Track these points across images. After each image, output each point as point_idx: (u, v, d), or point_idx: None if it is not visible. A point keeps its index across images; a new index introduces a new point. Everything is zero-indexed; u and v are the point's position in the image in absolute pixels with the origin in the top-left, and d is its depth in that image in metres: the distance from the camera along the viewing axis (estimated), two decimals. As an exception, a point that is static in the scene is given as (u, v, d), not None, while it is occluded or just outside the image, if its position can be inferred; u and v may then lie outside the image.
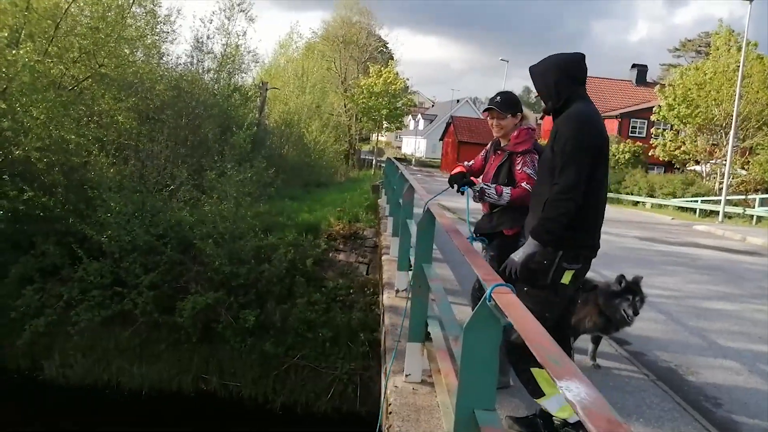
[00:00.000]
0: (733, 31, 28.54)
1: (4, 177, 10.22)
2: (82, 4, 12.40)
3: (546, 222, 2.82)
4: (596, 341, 4.42)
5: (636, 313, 3.97)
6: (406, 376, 3.68)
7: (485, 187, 3.57)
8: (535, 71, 3.06)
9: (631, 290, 3.99)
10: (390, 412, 3.30)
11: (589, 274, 4.67)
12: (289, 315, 10.31)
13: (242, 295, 10.33)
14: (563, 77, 2.93)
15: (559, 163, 2.79)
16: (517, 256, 2.96)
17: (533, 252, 2.89)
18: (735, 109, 22.58)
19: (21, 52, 10.18)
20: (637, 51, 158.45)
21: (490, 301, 1.77)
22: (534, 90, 3.11)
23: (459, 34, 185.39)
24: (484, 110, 3.80)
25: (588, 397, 1.11)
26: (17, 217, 10.43)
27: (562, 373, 1.21)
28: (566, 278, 2.89)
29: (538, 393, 2.84)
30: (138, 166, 13.03)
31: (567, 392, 1.14)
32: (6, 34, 10.32)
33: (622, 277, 4.06)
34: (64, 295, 10.10)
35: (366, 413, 9.29)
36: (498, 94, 3.75)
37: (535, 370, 2.82)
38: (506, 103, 3.64)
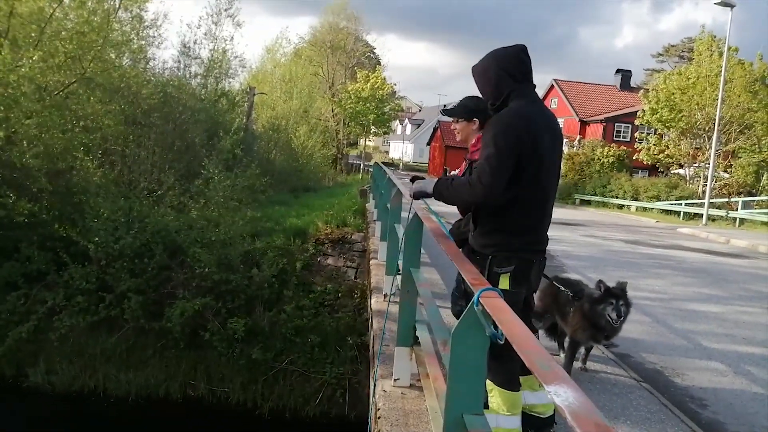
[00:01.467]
0: (715, 37, 28.94)
1: None
2: (66, 8, 12.30)
3: (449, 189, 2.82)
4: (589, 346, 4.42)
5: (620, 316, 3.93)
6: (395, 380, 3.68)
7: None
8: (475, 71, 2.89)
9: (612, 294, 3.98)
10: (379, 417, 3.30)
11: (578, 279, 4.74)
12: (278, 320, 10.28)
13: (230, 300, 10.29)
14: (501, 72, 2.77)
15: (480, 162, 2.69)
16: (415, 187, 3.06)
17: (424, 192, 2.97)
18: (717, 113, 22.88)
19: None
20: (623, 56, 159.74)
21: (477, 306, 1.79)
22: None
23: (447, 39, 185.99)
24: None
25: (576, 402, 1.13)
26: (1, 223, 10.31)
27: (551, 378, 1.23)
28: (504, 283, 2.78)
29: (485, 405, 2.84)
30: (125, 171, 12.94)
31: (555, 397, 1.15)
32: None
33: (601, 282, 4.07)
34: (49, 301, 9.99)
35: (354, 417, 9.28)
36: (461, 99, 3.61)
37: (497, 389, 2.82)
38: (458, 108, 3.53)
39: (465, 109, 3.48)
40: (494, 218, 2.82)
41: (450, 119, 3.61)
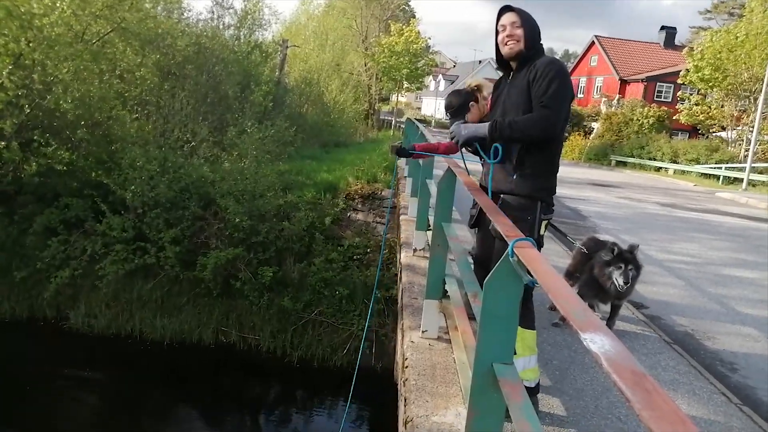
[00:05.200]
0: (771, -8, 27.38)
1: (35, 131, 10.33)
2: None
3: (513, 126, 2.76)
4: (614, 309, 4.33)
5: (627, 282, 3.89)
6: (423, 332, 3.73)
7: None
8: (525, 14, 2.96)
9: (623, 258, 3.93)
10: (406, 366, 3.36)
11: (608, 240, 4.67)
12: (307, 272, 10.45)
13: (261, 251, 10.48)
14: (538, 30, 2.97)
15: (543, 98, 2.73)
16: (466, 130, 3.01)
17: (475, 136, 2.95)
18: (766, 73, 21.88)
19: (59, 5, 10.16)
20: (670, 13, 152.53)
21: (512, 256, 1.77)
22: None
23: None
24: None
25: (612, 349, 1.12)
26: (42, 170, 10.57)
27: (586, 326, 1.22)
28: (543, 229, 2.95)
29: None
30: (160, 122, 13.08)
31: (591, 344, 1.15)
32: None
33: (614, 245, 4.00)
34: (88, 248, 10.30)
35: (381, 369, 9.47)
36: None
37: (525, 332, 2.86)
38: (459, 108, 3.59)
39: (463, 106, 3.47)
40: (543, 160, 2.88)
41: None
